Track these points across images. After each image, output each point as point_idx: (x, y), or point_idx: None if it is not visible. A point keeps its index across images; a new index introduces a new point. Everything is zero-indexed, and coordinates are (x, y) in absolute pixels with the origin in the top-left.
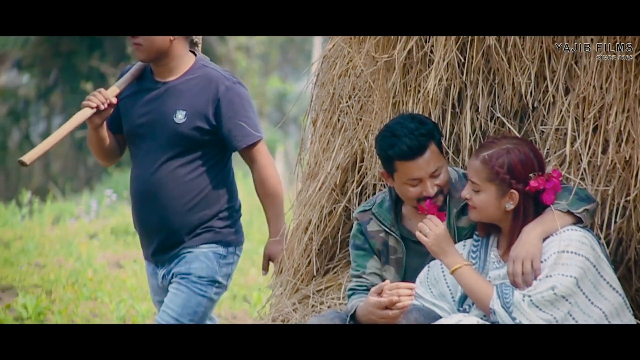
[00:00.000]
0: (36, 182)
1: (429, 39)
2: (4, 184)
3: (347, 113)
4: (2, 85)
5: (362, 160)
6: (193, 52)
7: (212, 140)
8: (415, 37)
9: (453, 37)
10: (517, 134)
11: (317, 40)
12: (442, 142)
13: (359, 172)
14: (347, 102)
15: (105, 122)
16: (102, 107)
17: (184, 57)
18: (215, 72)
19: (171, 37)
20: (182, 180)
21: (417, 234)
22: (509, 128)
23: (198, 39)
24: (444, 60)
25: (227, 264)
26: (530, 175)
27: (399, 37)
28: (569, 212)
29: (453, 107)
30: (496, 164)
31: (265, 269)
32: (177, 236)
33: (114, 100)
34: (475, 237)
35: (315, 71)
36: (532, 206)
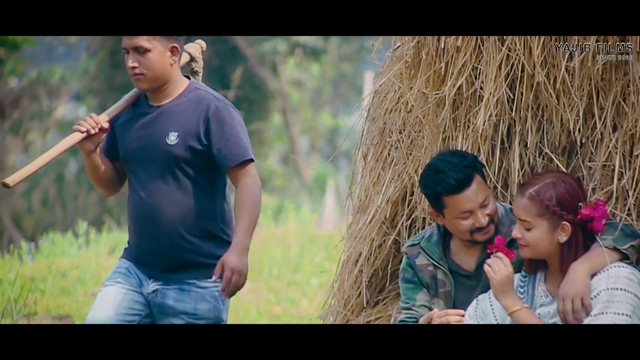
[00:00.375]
0: (92, 214)
1: (479, 75)
2: (61, 215)
3: (397, 147)
4: (60, 117)
5: (411, 194)
6: (187, 77)
7: (205, 160)
8: (466, 74)
9: (503, 74)
10: (565, 170)
11: (368, 76)
12: (491, 176)
13: (408, 205)
14: (397, 136)
15: (99, 149)
16: (93, 132)
17: (179, 81)
18: (206, 93)
19: (171, 61)
20: (179, 203)
21: (486, 268)
22: (557, 164)
23: (199, 68)
24: (493, 96)
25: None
26: (580, 204)
27: (449, 73)
28: (615, 249)
29: (502, 142)
30: (545, 198)
31: (217, 274)
32: (178, 260)
33: (105, 125)
34: (522, 272)
35: (367, 106)
36: (582, 237)
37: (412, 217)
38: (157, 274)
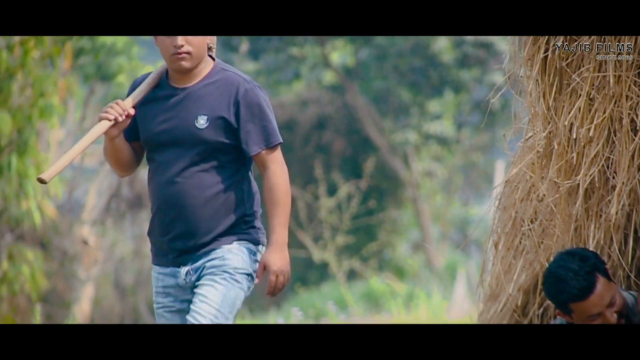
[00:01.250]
0: None
1: (611, 164)
2: None
3: (528, 236)
4: None
5: (543, 283)
6: (211, 57)
7: (234, 144)
8: (599, 164)
9: (636, 164)
10: None
11: (499, 165)
12: (625, 266)
13: (540, 294)
14: (528, 225)
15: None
16: (120, 119)
17: (206, 61)
18: (234, 75)
19: (208, 40)
20: (206, 186)
21: None
22: None
23: (212, 43)
24: (626, 185)
25: (255, 261)
26: None
27: (582, 163)
28: None
29: (635, 232)
30: None
31: (259, 276)
32: (203, 240)
33: (132, 112)
34: None
35: (498, 195)
36: None
37: (544, 305)
38: (184, 257)
